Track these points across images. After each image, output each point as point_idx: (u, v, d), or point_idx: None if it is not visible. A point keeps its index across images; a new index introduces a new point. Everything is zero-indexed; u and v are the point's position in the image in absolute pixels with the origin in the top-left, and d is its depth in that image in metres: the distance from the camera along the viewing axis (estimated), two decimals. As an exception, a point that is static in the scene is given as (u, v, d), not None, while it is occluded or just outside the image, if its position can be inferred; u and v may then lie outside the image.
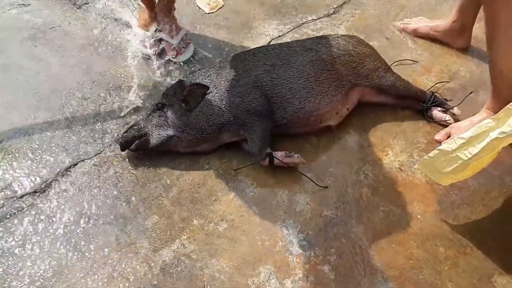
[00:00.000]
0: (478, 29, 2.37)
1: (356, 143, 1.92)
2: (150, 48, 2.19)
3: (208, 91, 1.77)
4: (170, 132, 1.77)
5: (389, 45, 2.33)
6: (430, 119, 1.98)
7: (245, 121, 1.76)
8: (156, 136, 1.77)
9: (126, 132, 1.78)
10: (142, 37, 2.24)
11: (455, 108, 1.98)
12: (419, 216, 1.69)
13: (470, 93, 2.06)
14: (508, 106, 1.36)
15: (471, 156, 1.41)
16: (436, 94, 2.01)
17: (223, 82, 1.81)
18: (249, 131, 1.76)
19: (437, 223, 1.67)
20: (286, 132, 1.87)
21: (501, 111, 1.38)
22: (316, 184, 1.75)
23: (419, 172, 1.81)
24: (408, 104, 2.01)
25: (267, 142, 1.76)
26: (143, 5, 2.22)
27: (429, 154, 1.53)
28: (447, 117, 1.95)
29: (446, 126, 1.94)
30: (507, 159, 1.84)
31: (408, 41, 2.35)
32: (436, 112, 1.96)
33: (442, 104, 1.98)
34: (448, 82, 2.14)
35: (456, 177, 1.52)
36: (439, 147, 1.50)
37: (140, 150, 1.79)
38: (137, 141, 1.76)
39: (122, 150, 1.78)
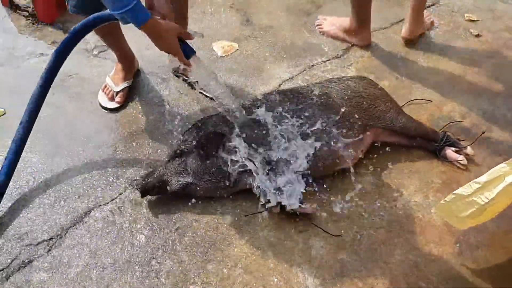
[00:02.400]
0: (490, 68, 2.40)
1: (371, 184, 1.91)
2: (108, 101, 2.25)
3: (225, 138, 1.79)
4: (189, 179, 1.79)
5: (400, 85, 2.35)
6: (444, 159, 1.97)
7: (262, 171, 1.76)
8: (175, 183, 1.79)
9: (145, 178, 1.80)
10: (110, 88, 2.27)
11: (468, 147, 1.97)
12: (436, 258, 1.66)
13: (483, 133, 2.05)
14: None
15: (487, 200, 1.41)
16: (448, 133, 2.01)
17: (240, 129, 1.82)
18: (263, 180, 1.76)
19: (456, 266, 1.64)
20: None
21: None
22: (330, 233, 1.73)
23: (434, 212, 1.79)
24: (420, 144, 2.01)
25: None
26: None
27: (446, 199, 1.52)
28: (460, 157, 1.94)
29: (460, 167, 1.94)
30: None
31: (417, 81, 2.37)
32: (450, 152, 1.96)
33: (455, 144, 1.98)
34: (462, 121, 2.14)
35: (474, 221, 1.50)
36: (455, 192, 1.50)
37: (159, 194, 1.82)
38: (156, 188, 1.79)
39: (142, 196, 1.81)
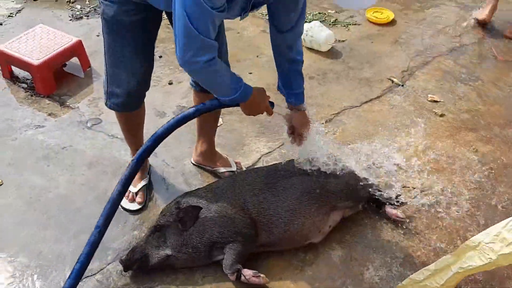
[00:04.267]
0: (450, 146, 2.65)
1: (339, 258, 2.08)
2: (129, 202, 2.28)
3: (201, 212, 1.97)
4: (168, 251, 1.94)
5: (367, 161, 2.57)
6: (385, 214, 2.22)
7: (231, 240, 1.94)
8: (155, 256, 1.94)
9: (128, 254, 1.95)
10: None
11: (398, 212, 2.20)
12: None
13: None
14: (462, 245, 1.58)
15: (439, 285, 1.62)
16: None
17: (215, 204, 2.00)
18: (230, 248, 1.93)
19: (415, 338, 1.79)
20: (272, 249, 2.04)
21: (457, 249, 1.61)
22: None
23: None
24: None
25: (241, 261, 1.92)
26: None
27: (403, 282, 1.72)
28: (399, 213, 2.19)
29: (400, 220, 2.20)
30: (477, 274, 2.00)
31: (383, 157, 2.60)
32: (389, 209, 2.20)
33: (389, 201, 2.22)
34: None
35: None
36: (410, 276, 1.70)
37: (141, 270, 1.96)
38: (138, 263, 1.93)
39: (125, 270, 1.95)
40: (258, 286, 1.92)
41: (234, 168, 2.46)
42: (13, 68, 3.05)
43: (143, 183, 2.32)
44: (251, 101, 1.78)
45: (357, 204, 2.20)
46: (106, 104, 2.08)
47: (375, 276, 2.01)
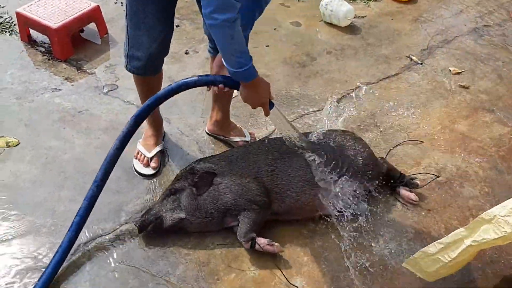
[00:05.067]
0: (466, 126, 2.62)
1: (350, 231, 2.09)
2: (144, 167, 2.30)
3: (216, 178, 1.98)
4: (182, 215, 1.97)
5: (383, 137, 2.56)
6: (398, 196, 2.22)
7: (245, 208, 1.95)
8: (169, 218, 1.97)
9: (143, 216, 1.98)
10: (143, 154, 2.32)
11: (412, 195, 2.19)
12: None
13: (438, 176, 2.32)
14: (477, 218, 1.57)
15: (450, 259, 1.60)
16: (403, 174, 2.24)
17: (229, 171, 2.02)
18: (245, 216, 1.95)
19: (423, 310, 1.81)
20: (284, 219, 2.05)
21: (471, 222, 1.59)
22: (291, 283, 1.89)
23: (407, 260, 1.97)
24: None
25: (255, 230, 1.95)
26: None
27: (414, 255, 1.71)
28: (412, 195, 2.18)
29: (412, 203, 2.20)
30: (489, 251, 2.00)
31: (400, 134, 2.58)
32: (403, 191, 2.20)
33: (408, 184, 2.22)
34: (438, 176, 2.34)
35: (440, 274, 1.69)
36: (422, 250, 1.69)
37: (155, 231, 1.99)
38: (152, 224, 1.96)
39: (139, 232, 1.98)
40: (270, 254, 1.95)
41: (248, 138, 2.47)
42: (31, 31, 3.06)
43: (158, 148, 2.33)
44: (253, 85, 1.76)
45: (371, 182, 2.18)
46: (126, 68, 2.08)
47: (384, 249, 2.02)
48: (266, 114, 1.87)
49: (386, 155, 2.39)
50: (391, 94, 2.86)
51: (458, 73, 3.02)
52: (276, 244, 1.93)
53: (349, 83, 2.92)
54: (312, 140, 2.10)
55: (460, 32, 3.42)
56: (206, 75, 1.89)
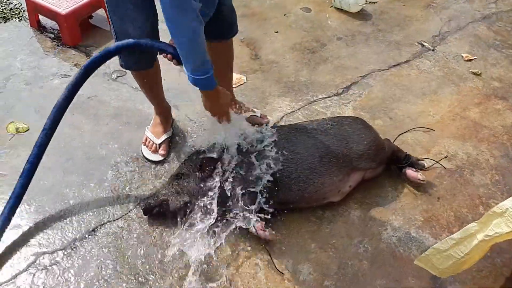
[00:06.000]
0: (477, 114, 2.59)
1: (358, 217, 2.08)
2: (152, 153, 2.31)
3: (218, 163, 1.99)
4: (186, 198, 1.98)
5: (392, 125, 2.53)
6: (405, 177, 2.19)
7: (247, 193, 1.95)
8: (174, 202, 1.98)
9: (149, 199, 1.99)
10: (151, 141, 2.33)
11: (419, 174, 2.18)
12: (413, 291, 1.82)
13: (445, 157, 2.31)
14: (489, 212, 1.54)
15: (463, 255, 1.58)
16: (409, 155, 2.22)
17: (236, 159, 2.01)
18: (246, 199, 1.95)
19: (430, 298, 1.80)
20: (291, 207, 2.04)
21: (483, 216, 1.56)
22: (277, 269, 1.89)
23: (415, 248, 1.96)
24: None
25: (254, 212, 1.94)
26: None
27: (426, 252, 1.68)
28: (419, 174, 2.16)
29: (420, 182, 2.18)
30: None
31: (410, 122, 2.55)
32: (410, 171, 2.18)
33: (414, 164, 2.20)
34: (446, 156, 2.33)
35: (453, 271, 1.67)
36: (433, 246, 1.67)
37: (160, 215, 2.00)
38: (157, 207, 1.98)
39: (145, 214, 2.00)
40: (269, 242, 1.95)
41: (258, 114, 2.46)
42: (41, 17, 3.06)
43: (166, 135, 2.34)
44: (213, 95, 1.77)
45: (379, 166, 2.17)
46: (121, 65, 2.08)
47: (393, 237, 2.01)
48: (228, 122, 1.90)
49: (394, 140, 2.36)
50: (402, 81, 2.82)
51: (470, 60, 2.97)
52: (269, 230, 1.93)
53: (359, 70, 2.89)
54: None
55: (473, 18, 3.36)
56: (160, 41, 1.87)
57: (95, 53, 2.90)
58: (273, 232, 1.96)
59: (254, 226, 1.92)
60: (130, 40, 1.82)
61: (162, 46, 1.81)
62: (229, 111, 1.88)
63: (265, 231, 1.92)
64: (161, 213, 1.99)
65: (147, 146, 2.32)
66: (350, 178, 2.07)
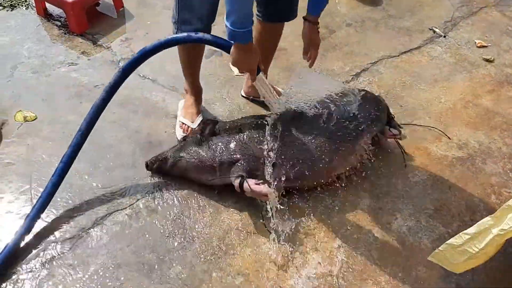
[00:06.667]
0: (490, 101, 2.54)
1: (367, 206, 2.06)
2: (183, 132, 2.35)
3: (217, 126, 2.11)
4: (182, 154, 2.08)
5: (403, 112, 2.50)
6: (381, 135, 2.21)
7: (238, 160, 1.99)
8: (171, 156, 2.10)
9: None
10: (187, 125, 2.35)
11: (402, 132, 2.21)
12: (423, 280, 1.80)
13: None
14: (503, 206, 1.51)
15: (478, 250, 1.55)
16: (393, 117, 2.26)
17: (237, 130, 2.07)
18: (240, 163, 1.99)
19: (440, 288, 1.78)
20: (299, 185, 2.03)
21: (498, 210, 1.53)
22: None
23: (426, 237, 1.93)
24: None
25: (245, 173, 1.95)
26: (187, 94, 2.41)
27: (440, 248, 1.66)
28: (394, 130, 2.19)
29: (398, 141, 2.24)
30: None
31: (420, 110, 2.51)
32: (387, 130, 2.20)
33: (395, 126, 2.23)
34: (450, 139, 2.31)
35: (468, 266, 1.64)
36: (447, 242, 1.64)
37: (159, 171, 2.14)
38: (158, 163, 2.12)
39: (147, 169, 2.15)
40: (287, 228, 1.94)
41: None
42: (47, 5, 3.04)
43: (200, 118, 2.38)
44: (245, 49, 1.76)
45: (381, 128, 2.17)
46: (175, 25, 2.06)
47: (403, 226, 1.99)
48: (253, 80, 1.90)
49: (405, 129, 2.33)
50: (412, 68, 2.77)
51: (483, 46, 2.92)
52: (264, 184, 1.89)
53: (369, 57, 2.85)
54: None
55: (486, 3, 3.29)
56: (196, 33, 1.87)
57: (101, 41, 2.89)
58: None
59: (246, 181, 1.90)
60: (171, 37, 1.86)
61: (201, 36, 1.84)
62: (255, 69, 1.86)
63: (259, 184, 1.90)
64: (160, 168, 2.10)
65: (183, 130, 2.35)
66: (357, 147, 2.06)
